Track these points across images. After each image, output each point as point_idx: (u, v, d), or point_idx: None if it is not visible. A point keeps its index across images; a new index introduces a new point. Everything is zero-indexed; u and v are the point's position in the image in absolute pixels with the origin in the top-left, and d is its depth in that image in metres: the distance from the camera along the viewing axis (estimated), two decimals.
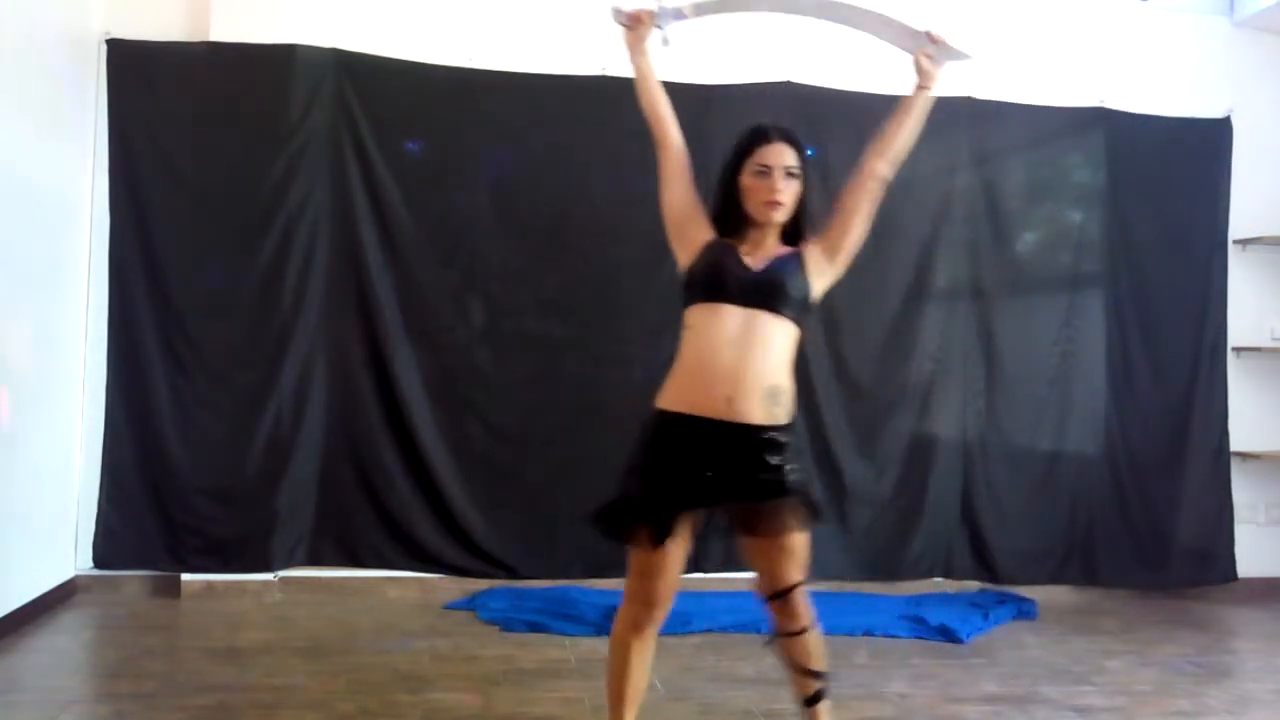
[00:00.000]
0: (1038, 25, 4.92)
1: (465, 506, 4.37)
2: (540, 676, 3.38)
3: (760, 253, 2.39)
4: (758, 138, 2.40)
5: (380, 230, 4.36)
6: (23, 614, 3.74)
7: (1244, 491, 5.00)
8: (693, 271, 2.40)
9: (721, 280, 2.33)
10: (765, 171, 2.36)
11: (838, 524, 4.61)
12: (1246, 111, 5.02)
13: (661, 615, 2.42)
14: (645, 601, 2.37)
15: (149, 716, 2.92)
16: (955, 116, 4.72)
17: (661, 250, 2.64)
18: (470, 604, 4.23)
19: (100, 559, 4.21)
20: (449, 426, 4.38)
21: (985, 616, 4.26)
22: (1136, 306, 4.86)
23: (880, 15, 2.57)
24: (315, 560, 4.34)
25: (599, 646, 2.92)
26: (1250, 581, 4.93)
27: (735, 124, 4.60)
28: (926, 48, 2.42)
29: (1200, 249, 4.96)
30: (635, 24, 2.50)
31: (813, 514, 2.33)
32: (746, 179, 2.38)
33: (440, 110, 4.39)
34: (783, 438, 2.31)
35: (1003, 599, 4.55)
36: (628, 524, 2.32)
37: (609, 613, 2.79)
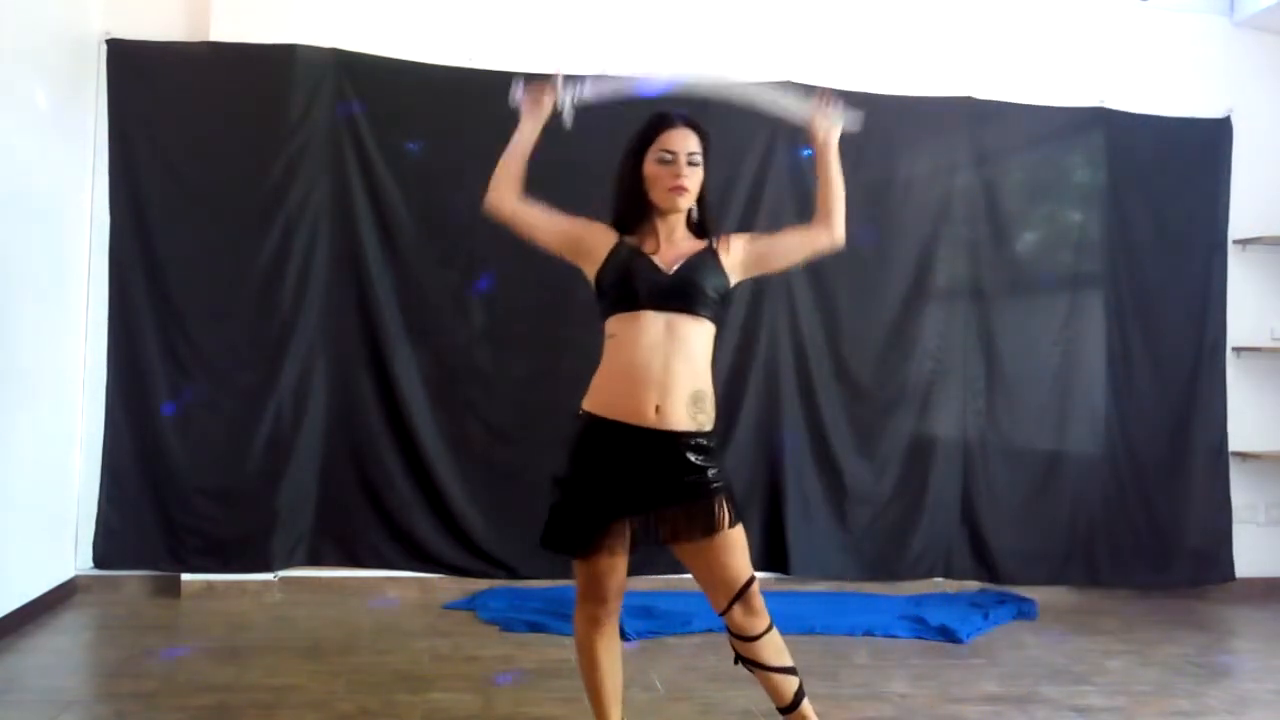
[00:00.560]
0: (1038, 25, 4.93)
1: (465, 506, 4.37)
2: (540, 676, 3.38)
3: (671, 249, 2.35)
4: (661, 123, 2.35)
5: (380, 230, 4.36)
6: (23, 614, 3.74)
7: (1244, 491, 5.00)
8: (602, 281, 2.35)
9: (634, 287, 2.29)
10: (669, 158, 2.32)
11: (838, 524, 4.62)
12: (1246, 111, 5.02)
13: (616, 607, 2.43)
14: (597, 599, 2.38)
15: (149, 716, 2.92)
16: (955, 116, 4.74)
17: None
18: (470, 604, 4.24)
19: (100, 559, 4.21)
20: (449, 426, 4.39)
21: (985, 616, 4.26)
22: (1136, 306, 4.87)
23: (768, 91, 2.60)
24: (315, 560, 4.34)
25: None
26: (1250, 581, 4.93)
27: (735, 124, 4.65)
28: (817, 111, 2.42)
29: (1200, 249, 4.97)
30: (534, 105, 2.48)
31: (735, 513, 2.31)
32: (650, 166, 2.34)
33: (440, 110, 4.39)
34: (706, 443, 2.31)
35: (1003, 599, 4.55)
36: (559, 535, 2.34)
37: None
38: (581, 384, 2.39)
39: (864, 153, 4.68)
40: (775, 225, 4.50)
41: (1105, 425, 4.83)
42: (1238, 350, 5.00)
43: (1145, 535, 4.84)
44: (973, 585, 4.73)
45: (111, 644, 3.66)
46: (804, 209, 4.55)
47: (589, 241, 2.40)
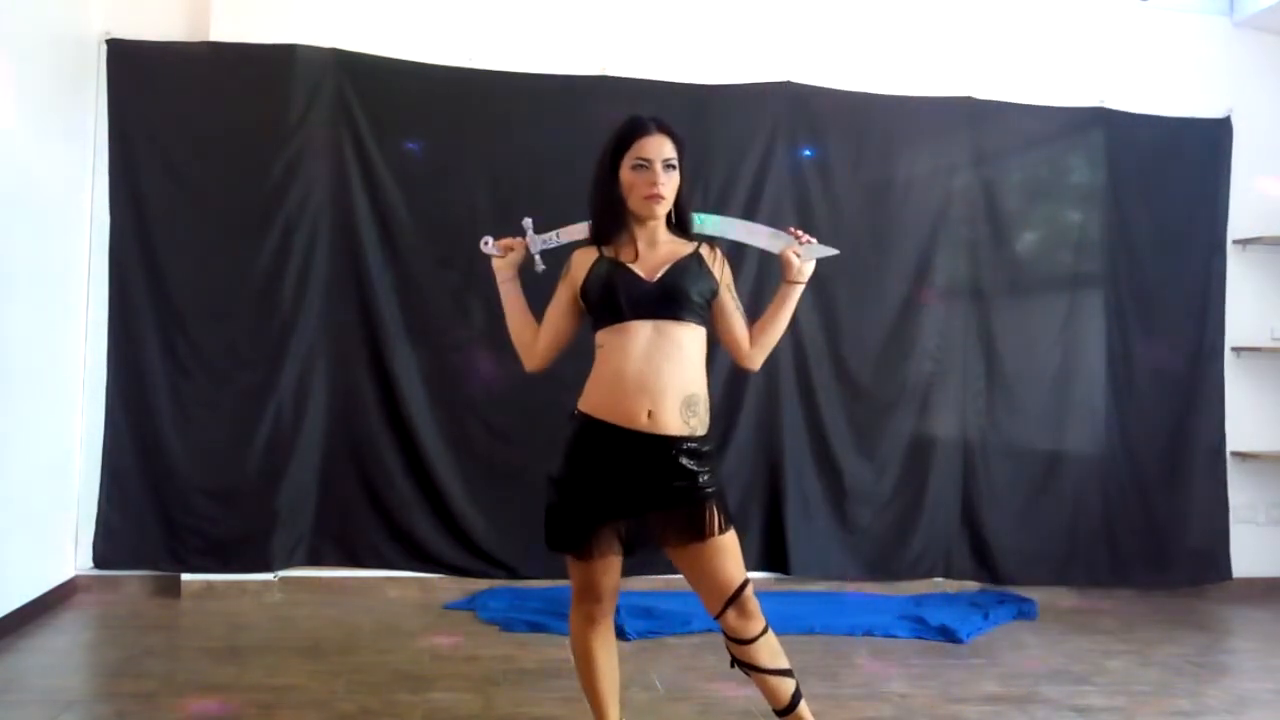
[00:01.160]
0: (1038, 25, 4.93)
1: (465, 506, 4.37)
2: (540, 676, 3.38)
3: (652, 256, 2.35)
4: (635, 130, 2.34)
5: (380, 230, 4.36)
6: (23, 614, 3.75)
7: (1243, 491, 5.00)
8: (588, 297, 2.36)
9: (618, 300, 2.29)
10: (645, 165, 2.32)
11: (838, 524, 4.62)
12: (1246, 111, 5.02)
13: (611, 606, 2.44)
14: (592, 598, 2.40)
15: (149, 716, 2.92)
16: (955, 116, 4.74)
17: None
18: (470, 604, 4.24)
19: (100, 559, 4.22)
20: (449, 426, 4.39)
21: (985, 616, 4.26)
22: (1136, 306, 4.87)
23: (744, 222, 2.62)
24: (315, 560, 4.34)
25: None
26: (1250, 581, 4.94)
27: (735, 124, 4.66)
28: (794, 245, 2.42)
29: (1200, 249, 4.97)
30: (506, 252, 2.49)
31: (727, 519, 2.31)
32: (625, 173, 2.33)
33: (440, 110, 4.39)
34: (699, 447, 2.31)
35: (1003, 599, 4.55)
36: (553, 535, 2.36)
37: None
38: (581, 384, 2.39)
39: (864, 153, 4.70)
40: (775, 226, 4.53)
41: (1105, 425, 4.83)
42: (1237, 350, 5.00)
43: (1145, 535, 4.84)
44: (972, 585, 4.73)
45: (111, 644, 3.66)
46: (804, 210, 4.60)
47: (573, 288, 2.40)
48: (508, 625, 3.95)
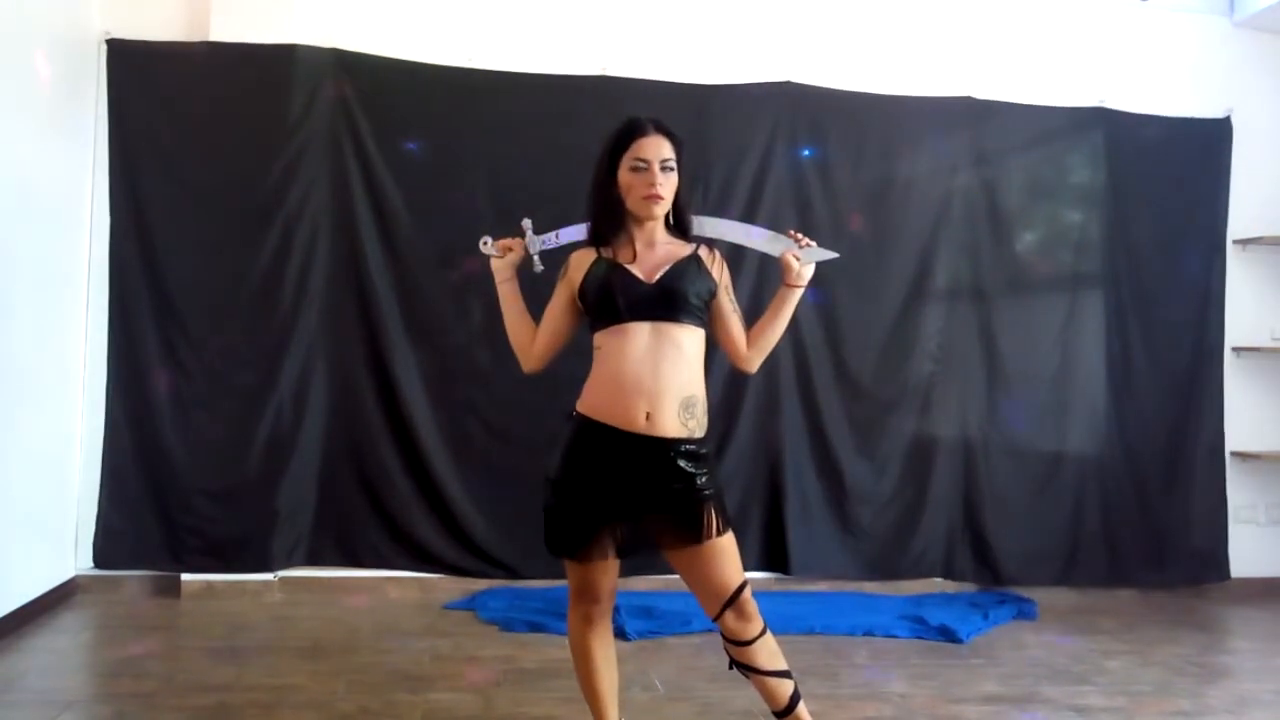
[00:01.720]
0: (1038, 25, 4.93)
1: (465, 506, 4.37)
2: (540, 676, 3.38)
3: (650, 257, 2.35)
4: (634, 131, 2.34)
5: (380, 230, 4.36)
6: (23, 614, 3.75)
7: (1243, 491, 5.00)
8: (585, 299, 2.36)
9: (615, 302, 2.30)
10: (643, 166, 2.32)
11: (838, 524, 4.62)
12: (1246, 111, 5.02)
13: (609, 607, 2.44)
14: (590, 599, 2.40)
15: (149, 716, 2.92)
16: (955, 116, 4.74)
17: None
18: (470, 604, 4.24)
19: (100, 559, 4.22)
20: (449, 426, 4.39)
21: (985, 616, 4.26)
22: (1136, 306, 4.87)
23: (743, 225, 2.62)
24: (315, 560, 4.34)
25: None
26: (1250, 581, 4.94)
27: (735, 124, 4.66)
28: (793, 249, 2.41)
29: (1200, 249, 4.97)
30: (505, 252, 2.50)
31: (725, 521, 2.31)
32: (624, 174, 2.33)
33: (440, 110, 4.39)
34: (697, 449, 2.31)
35: (1003, 599, 4.55)
36: (551, 537, 2.36)
37: None
38: (580, 385, 2.39)
39: (864, 153, 4.70)
40: (775, 226, 4.51)
41: (1105, 425, 4.83)
42: (1237, 350, 5.00)
43: (1144, 535, 4.84)
44: (972, 585, 4.73)
45: (111, 644, 3.66)
46: (804, 210, 4.60)
47: (571, 289, 2.40)
48: (508, 625, 3.95)
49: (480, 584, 4.38)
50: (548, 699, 3.16)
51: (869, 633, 4.05)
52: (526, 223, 2.51)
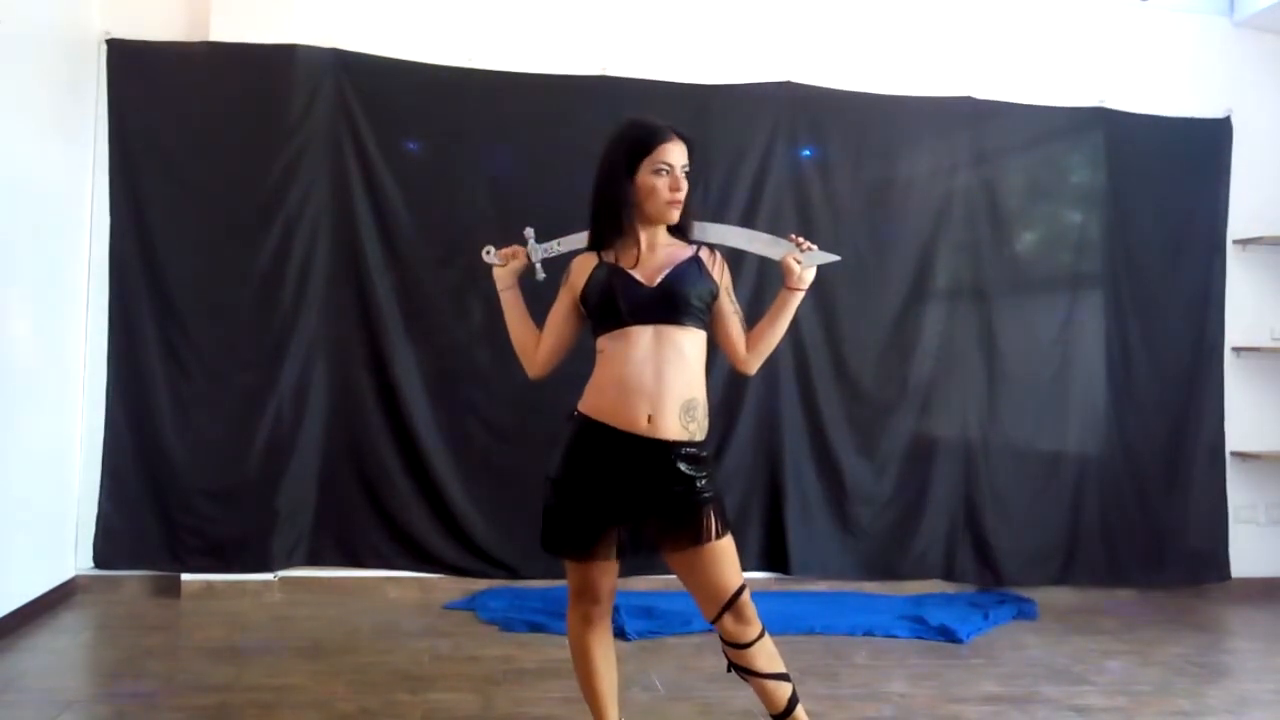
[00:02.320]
0: (1038, 25, 4.93)
1: (465, 506, 4.37)
2: (540, 676, 3.38)
3: (652, 260, 2.35)
4: (659, 136, 2.34)
5: (380, 230, 4.36)
6: (23, 614, 3.75)
7: (1243, 491, 5.00)
8: (587, 303, 2.36)
9: (617, 305, 2.30)
10: (667, 170, 2.33)
11: (838, 524, 4.62)
12: (1246, 111, 5.02)
13: (608, 607, 2.45)
14: (590, 599, 2.40)
15: (149, 716, 2.92)
16: (955, 116, 4.74)
17: None
18: (470, 604, 4.24)
19: (100, 559, 4.22)
20: (449, 426, 4.39)
21: (985, 616, 4.26)
22: (1136, 306, 4.87)
23: (745, 230, 2.62)
24: (315, 560, 4.34)
25: None
26: (1250, 581, 4.94)
27: (735, 124, 4.65)
28: (794, 253, 2.41)
29: (1200, 249, 4.97)
30: (508, 260, 2.50)
31: (724, 524, 2.30)
32: (646, 177, 2.33)
33: (440, 110, 4.39)
34: (698, 452, 2.31)
35: (1003, 599, 4.55)
36: (551, 537, 2.37)
37: None
38: (581, 384, 2.39)
39: (864, 153, 4.70)
40: (775, 226, 4.52)
41: (1105, 425, 4.83)
42: (1237, 350, 5.00)
43: (1144, 535, 4.84)
44: (972, 585, 4.73)
45: (111, 644, 3.66)
46: (804, 210, 4.60)
47: (574, 293, 2.40)
48: (508, 625, 3.95)
49: (480, 584, 4.38)
50: (548, 699, 3.16)
51: (869, 633, 4.05)
52: (529, 231, 2.52)
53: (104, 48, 4.25)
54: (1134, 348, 4.86)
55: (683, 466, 2.28)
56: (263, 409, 4.25)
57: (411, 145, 4.43)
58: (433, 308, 4.39)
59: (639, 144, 2.34)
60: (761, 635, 2.32)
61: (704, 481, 2.30)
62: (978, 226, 4.77)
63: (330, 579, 4.37)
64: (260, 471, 4.25)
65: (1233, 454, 4.97)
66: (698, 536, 2.27)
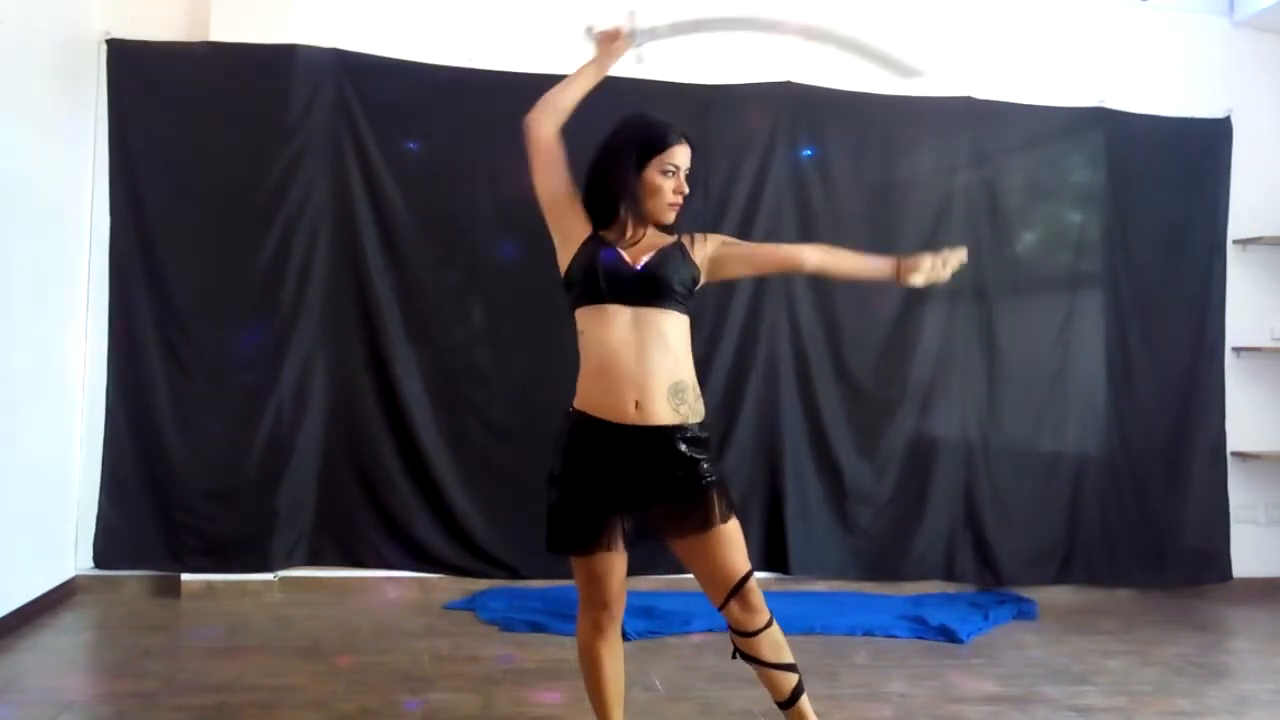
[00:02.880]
0: (1038, 25, 4.93)
1: (465, 506, 4.37)
2: (540, 676, 3.38)
3: (638, 247, 2.35)
4: (671, 136, 2.36)
5: (380, 230, 4.36)
6: (23, 614, 3.74)
7: (1243, 491, 5.00)
8: (571, 272, 2.35)
9: (598, 281, 2.29)
10: (674, 171, 2.35)
11: (838, 524, 4.62)
12: (1246, 111, 5.02)
13: (618, 611, 2.43)
14: (600, 603, 2.38)
15: (149, 716, 2.92)
16: (955, 116, 4.74)
17: None
18: (470, 604, 4.24)
19: (100, 559, 4.22)
20: (449, 426, 4.39)
21: (985, 616, 4.26)
22: (1136, 306, 4.87)
23: (874, 43, 2.57)
24: (315, 560, 4.34)
25: None
26: (1250, 581, 4.94)
27: (735, 124, 4.65)
28: (919, 270, 2.40)
29: (1200, 249, 4.97)
30: (609, 41, 2.50)
31: (729, 507, 2.30)
32: (653, 175, 2.34)
33: (440, 110, 4.39)
34: (696, 435, 2.31)
35: (1003, 599, 4.56)
36: (557, 535, 2.35)
37: None
38: None
39: (864, 153, 4.70)
40: (775, 225, 4.53)
41: (1105, 425, 4.83)
42: (1237, 350, 5.00)
43: (1145, 535, 4.84)
44: (972, 585, 4.73)
45: (111, 644, 3.66)
46: (804, 210, 4.60)
47: (570, 219, 2.38)
48: (508, 625, 3.95)
49: (480, 584, 4.38)
50: (548, 699, 3.16)
51: (869, 633, 4.05)
52: (632, 11, 2.45)
53: (104, 48, 4.25)
54: (1134, 348, 4.86)
55: (683, 448, 2.27)
56: (263, 409, 4.25)
57: (411, 145, 4.43)
58: (433, 308, 4.39)
59: (652, 141, 2.35)
60: (769, 624, 2.32)
61: (705, 464, 2.29)
62: (978, 226, 4.76)
63: (330, 579, 4.37)
64: (260, 471, 4.25)
65: (1233, 454, 4.97)
66: (704, 521, 2.27)
